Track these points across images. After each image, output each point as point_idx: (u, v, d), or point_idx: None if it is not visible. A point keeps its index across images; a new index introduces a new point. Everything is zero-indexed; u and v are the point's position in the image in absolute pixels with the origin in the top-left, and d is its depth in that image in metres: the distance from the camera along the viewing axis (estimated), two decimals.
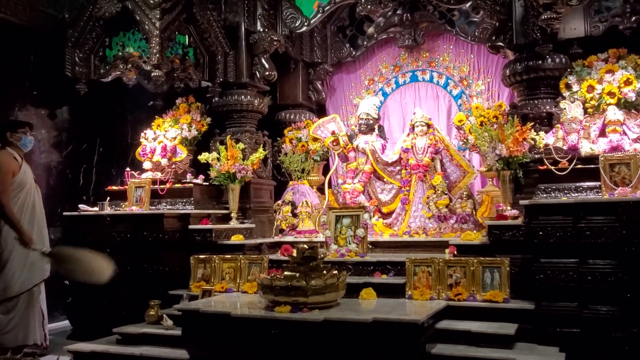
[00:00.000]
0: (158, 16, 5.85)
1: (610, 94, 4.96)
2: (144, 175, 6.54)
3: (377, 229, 6.35)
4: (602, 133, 4.91)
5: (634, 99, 4.91)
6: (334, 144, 6.90)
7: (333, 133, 6.93)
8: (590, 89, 5.06)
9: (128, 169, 6.61)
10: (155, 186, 6.28)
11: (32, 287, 5.22)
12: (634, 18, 5.42)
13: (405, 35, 7.21)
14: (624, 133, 4.83)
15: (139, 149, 6.83)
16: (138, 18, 5.91)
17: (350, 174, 6.81)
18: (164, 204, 6.29)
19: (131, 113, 7.76)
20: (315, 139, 7.11)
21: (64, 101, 6.93)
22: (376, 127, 6.89)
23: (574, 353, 4.27)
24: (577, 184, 4.70)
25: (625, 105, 4.94)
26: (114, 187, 6.69)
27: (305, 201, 6.69)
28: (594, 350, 4.29)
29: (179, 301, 5.34)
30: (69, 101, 6.91)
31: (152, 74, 6.01)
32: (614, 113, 4.86)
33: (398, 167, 6.66)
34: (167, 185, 6.32)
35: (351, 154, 6.88)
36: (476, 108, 6.23)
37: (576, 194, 4.67)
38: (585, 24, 5.58)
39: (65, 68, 6.28)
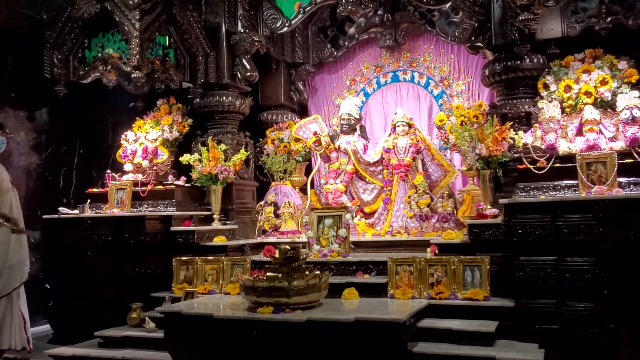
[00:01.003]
0: (138, 17, 5.81)
1: (587, 94, 5.03)
2: (125, 177, 6.49)
3: (359, 229, 6.38)
4: (579, 132, 4.97)
5: (609, 98, 4.98)
6: (316, 144, 6.91)
7: (315, 133, 6.95)
8: (568, 88, 5.13)
9: (109, 171, 6.57)
10: (137, 188, 6.24)
11: (12, 290, 5.17)
12: (609, 19, 5.50)
13: (386, 35, 7.25)
14: (600, 132, 4.89)
15: (120, 151, 6.78)
16: (117, 19, 5.86)
17: (333, 174, 6.83)
18: (146, 206, 6.26)
19: (111, 114, 7.71)
20: (297, 140, 7.12)
21: (43, 103, 6.86)
22: (358, 127, 6.92)
23: (553, 349, 4.33)
24: (555, 183, 4.76)
25: (602, 105, 5.02)
26: (95, 190, 6.63)
27: (288, 202, 6.70)
28: (572, 346, 4.35)
29: (162, 303, 5.32)
30: (48, 103, 6.85)
31: (132, 75, 5.96)
32: (590, 112, 4.93)
33: (380, 167, 6.70)
34: (149, 187, 6.29)
35: (333, 154, 6.90)
36: (457, 108, 6.28)
37: (554, 193, 4.73)
38: (562, 25, 5.64)
39: (43, 69, 6.22)
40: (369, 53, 7.56)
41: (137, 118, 7.08)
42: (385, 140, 6.68)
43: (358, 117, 6.94)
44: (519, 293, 4.60)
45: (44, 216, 6.30)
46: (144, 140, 6.72)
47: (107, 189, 6.35)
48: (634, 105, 4.76)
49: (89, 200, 6.36)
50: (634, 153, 4.57)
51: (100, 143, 7.58)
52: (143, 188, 6.25)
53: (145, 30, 5.88)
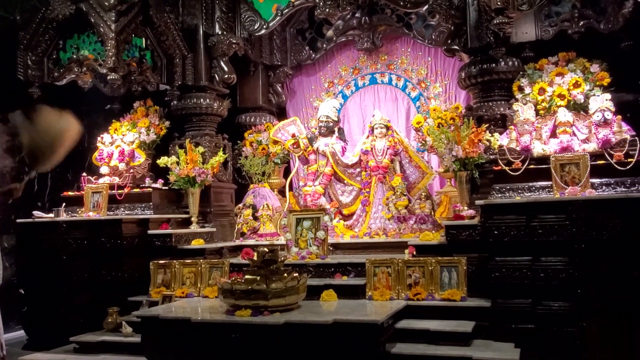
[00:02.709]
0: (113, 18, 5.77)
1: (560, 96, 5.12)
2: (101, 180, 6.43)
3: (338, 231, 6.40)
4: (553, 134, 5.05)
5: (582, 101, 5.08)
6: (295, 146, 6.92)
7: (293, 136, 6.95)
8: (542, 91, 5.21)
9: (84, 174, 6.50)
10: (113, 191, 6.18)
11: None
12: (582, 23, 5.62)
13: (364, 38, 7.29)
14: (574, 134, 4.99)
15: (96, 154, 6.71)
16: (93, 20, 5.81)
17: (311, 176, 6.84)
18: (122, 209, 6.20)
19: (87, 117, 7.59)
20: (275, 142, 7.11)
21: (17, 105, 6.73)
22: (336, 129, 6.94)
23: (528, 348, 4.38)
24: (530, 184, 4.83)
25: (575, 107, 5.11)
26: (70, 193, 6.56)
27: (266, 204, 6.69)
28: (547, 345, 4.41)
29: (139, 308, 5.28)
30: (22, 105, 6.72)
31: (108, 77, 5.92)
32: (564, 115, 5.02)
33: (358, 169, 6.72)
34: (125, 190, 6.23)
35: (311, 157, 6.91)
36: (434, 110, 6.34)
37: (529, 194, 4.80)
38: (536, 29, 5.76)
39: (17, 71, 6.13)
40: (347, 55, 7.59)
41: (113, 120, 7.01)
42: (364, 143, 6.71)
43: (336, 119, 6.97)
44: (495, 293, 4.65)
45: (18, 220, 6.19)
46: (120, 143, 6.66)
47: (82, 192, 6.28)
48: (606, 107, 4.86)
49: (64, 204, 6.28)
50: (606, 154, 4.66)
51: (75, 145, 7.46)
52: (120, 191, 6.20)
53: (121, 31, 5.84)
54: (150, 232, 5.93)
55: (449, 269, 4.85)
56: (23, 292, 6.25)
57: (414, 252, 5.24)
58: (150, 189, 6.32)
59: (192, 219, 6.33)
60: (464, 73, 5.85)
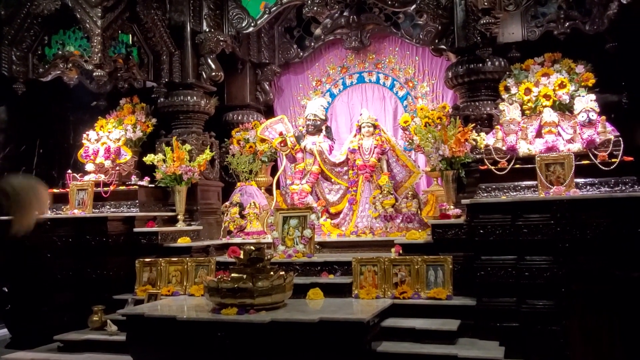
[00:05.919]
0: (99, 14, 5.71)
1: (546, 97, 5.15)
2: (86, 178, 6.37)
3: (325, 229, 6.40)
4: (539, 134, 5.08)
5: (567, 101, 5.12)
6: (282, 144, 6.91)
7: (281, 134, 6.94)
8: (528, 91, 5.24)
9: (70, 171, 6.44)
10: (99, 189, 6.13)
11: None
12: (567, 24, 5.67)
13: (351, 36, 7.30)
14: (559, 134, 5.02)
15: (82, 151, 6.65)
16: (78, 16, 5.75)
17: (298, 174, 6.84)
18: (108, 207, 6.15)
19: (73, 113, 7.55)
20: (263, 140, 7.10)
21: (1, 101, 6.68)
22: (323, 128, 6.95)
23: (513, 346, 4.42)
24: (516, 183, 4.85)
25: (560, 107, 5.15)
26: (55, 190, 6.49)
27: (253, 202, 6.67)
28: (531, 343, 4.45)
29: (124, 306, 5.24)
30: (6, 101, 6.67)
31: (94, 74, 5.85)
32: (549, 115, 5.05)
33: (345, 168, 6.74)
34: (111, 188, 6.19)
35: (299, 155, 6.91)
36: (421, 109, 6.36)
37: (515, 193, 4.82)
38: (522, 29, 5.80)
39: (1, 67, 6.05)
40: (335, 54, 7.60)
41: (99, 117, 6.95)
42: (351, 141, 6.72)
43: (324, 117, 6.97)
44: (480, 292, 4.69)
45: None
46: (106, 140, 6.61)
47: (68, 189, 6.22)
48: (590, 108, 4.89)
49: (48, 201, 6.21)
50: (590, 155, 4.70)
51: (61, 142, 7.42)
52: (105, 189, 6.15)
53: (107, 28, 5.78)
54: (136, 230, 5.89)
55: (435, 268, 4.88)
56: (6, 290, 6.19)
57: (401, 251, 5.26)
58: (136, 187, 6.28)
59: (179, 217, 6.30)
60: (451, 72, 5.88)
